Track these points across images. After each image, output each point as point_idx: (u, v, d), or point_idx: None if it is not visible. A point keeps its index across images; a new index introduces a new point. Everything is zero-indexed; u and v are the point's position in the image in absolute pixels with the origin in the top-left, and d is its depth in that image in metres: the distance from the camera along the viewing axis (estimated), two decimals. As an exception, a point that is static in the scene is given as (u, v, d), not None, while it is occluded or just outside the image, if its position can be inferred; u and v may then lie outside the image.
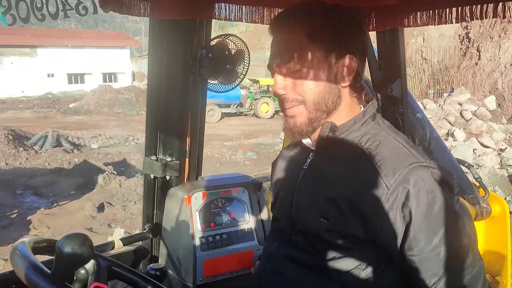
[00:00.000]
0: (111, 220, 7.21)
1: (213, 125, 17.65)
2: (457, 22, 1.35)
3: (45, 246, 0.94)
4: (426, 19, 1.45)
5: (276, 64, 1.09)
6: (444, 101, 13.75)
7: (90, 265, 1.03)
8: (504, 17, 1.21)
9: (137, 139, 15.87)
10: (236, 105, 21.92)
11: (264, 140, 15.34)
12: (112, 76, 39.49)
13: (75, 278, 0.96)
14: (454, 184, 1.05)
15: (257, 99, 21.81)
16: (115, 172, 10.03)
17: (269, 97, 21.73)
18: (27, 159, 11.55)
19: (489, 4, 1.19)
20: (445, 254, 0.99)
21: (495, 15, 1.21)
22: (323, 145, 1.12)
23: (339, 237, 1.05)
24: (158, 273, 1.21)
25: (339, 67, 1.07)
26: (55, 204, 8.20)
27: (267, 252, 1.27)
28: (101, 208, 7.69)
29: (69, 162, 11.19)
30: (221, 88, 1.67)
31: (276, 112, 21.54)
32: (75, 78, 38.05)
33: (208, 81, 1.64)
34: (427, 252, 0.99)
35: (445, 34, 25.66)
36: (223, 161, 11.96)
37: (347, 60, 1.07)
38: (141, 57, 47.22)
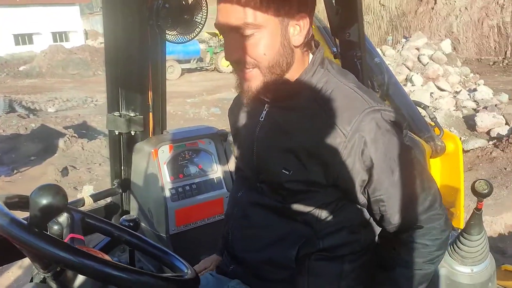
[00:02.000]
0: (77, 183, 7.11)
1: (174, 82, 17.26)
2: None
3: (17, 202, 0.94)
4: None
5: (227, 27, 1.04)
6: (402, 47, 13.95)
7: (63, 218, 1.05)
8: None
9: (96, 101, 15.40)
10: (196, 60, 21.42)
11: (227, 94, 15.20)
12: (63, 35, 37.47)
13: (49, 233, 0.98)
14: (402, 121, 1.11)
15: (217, 53, 21.36)
16: (76, 135, 9.77)
17: (230, 50, 21.29)
18: (-21, 127, 11.04)
19: None
20: (408, 186, 1.08)
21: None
22: (277, 98, 1.14)
23: (302, 185, 1.10)
24: (132, 224, 1.24)
25: (292, 28, 1.06)
26: (15, 171, 7.96)
27: (233, 199, 1.32)
28: (64, 172, 7.54)
29: (26, 128, 10.76)
30: (180, 39, 1.65)
31: (238, 66, 21.26)
32: (23, 38, 35.86)
33: (167, 33, 1.62)
34: (392, 189, 1.07)
35: (402, -21, 25.73)
36: (187, 118, 11.85)
37: (300, 20, 1.06)
38: (93, 14, 44.89)
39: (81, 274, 0.87)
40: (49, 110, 14.32)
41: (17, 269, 4.30)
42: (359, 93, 1.08)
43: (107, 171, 8.06)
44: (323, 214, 1.13)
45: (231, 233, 1.28)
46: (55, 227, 1.06)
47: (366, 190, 1.08)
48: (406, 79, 12.32)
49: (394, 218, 1.10)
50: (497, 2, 21.48)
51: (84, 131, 10.88)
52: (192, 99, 14.73)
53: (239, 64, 1.08)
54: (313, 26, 1.18)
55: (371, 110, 1.04)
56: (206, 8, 1.61)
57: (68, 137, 9.39)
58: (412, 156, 1.10)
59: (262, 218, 1.19)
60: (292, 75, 1.12)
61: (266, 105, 1.18)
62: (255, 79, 1.08)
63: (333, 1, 1.88)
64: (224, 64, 21.20)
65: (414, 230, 1.11)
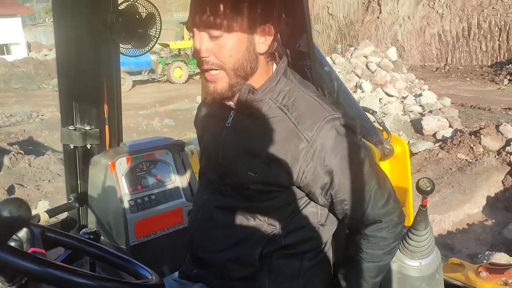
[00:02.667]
0: (16, 196, 6.81)
1: (125, 94, 16.75)
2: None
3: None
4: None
5: (198, 27, 1.10)
6: (351, 55, 14.43)
7: (23, 233, 1.04)
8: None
9: (42, 115, 14.80)
10: (147, 71, 21.11)
11: (181, 105, 15.11)
12: (4, 48, 35.80)
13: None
14: (357, 126, 1.21)
15: (169, 63, 21.15)
16: (22, 152, 9.34)
17: (182, 61, 21.21)
18: None
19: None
20: (367, 185, 1.17)
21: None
22: (242, 105, 1.20)
23: (267, 186, 1.17)
24: (92, 236, 1.24)
25: (258, 35, 1.13)
26: (-44, 192, 7.53)
27: (198, 204, 1.35)
28: (11, 190, 7.21)
29: (-33, 145, 10.21)
30: (135, 52, 1.67)
31: (190, 76, 21.16)
32: (-40, 53, 34.02)
33: (121, 46, 1.63)
34: (353, 190, 1.16)
35: (348, -10, 26.67)
36: (140, 130, 11.66)
37: (266, 28, 1.13)
38: (35, 25, 43.25)
39: (47, 284, 0.87)
40: (-9, 127, 13.63)
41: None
42: (320, 102, 1.16)
43: (57, 187, 7.78)
44: (286, 213, 1.20)
45: (196, 236, 1.31)
46: (13, 243, 1.05)
47: (328, 192, 1.16)
48: (356, 85, 12.73)
49: (355, 216, 1.20)
50: (437, 12, 22.74)
51: (30, 147, 10.44)
52: (145, 111, 14.51)
53: (206, 64, 1.12)
54: None
55: (331, 118, 1.12)
56: (160, 22, 1.64)
57: (13, 154, 8.96)
58: (369, 157, 1.19)
59: (227, 220, 1.24)
60: (256, 83, 1.18)
61: (232, 111, 1.23)
62: (221, 81, 1.14)
63: (283, 13, 1.95)
64: (176, 75, 21.05)
65: (374, 225, 1.21)
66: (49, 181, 7.79)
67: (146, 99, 16.78)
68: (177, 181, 1.91)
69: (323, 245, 1.27)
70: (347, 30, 26.45)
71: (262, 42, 1.14)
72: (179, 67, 21.16)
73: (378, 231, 1.21)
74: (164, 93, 18.49)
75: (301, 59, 2.07)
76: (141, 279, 1.08)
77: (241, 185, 1.19)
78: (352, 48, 15.26)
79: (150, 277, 1.06)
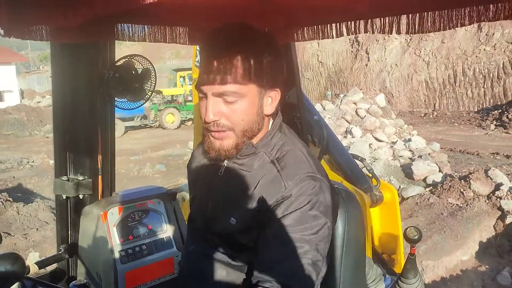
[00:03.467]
0: (11, 251, 6.67)
1: (117, 140, 16.47)
2: (336, 37, 1.57)
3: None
4: (312, 34, 1.65)
5: (213, 92, 1.14)
6: (340, 102, 14.72)
7: (15, 287, 1.05)
8: (372, 32, 1.43)
9: (32, 162, 14.70)
10: (140, 117, 21.32)
11: (172, 151, 15.15)
12: (-3, 95, 36.07)
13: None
14: (334, 194, 1.24)
15: (162, 110, 21.43)
16: (10, 199, 9.20)
17: (174, 107, 21.49)
18: None
19: (360, 21, 1.41)
20: (292, 250, 1.11)
21: (365, 30, 1.43)
22: (238, 157, 1.25)
23: (246, 233, 1.19)
24: (82, 289, 1.23)
25: (266, 99, 1.20)
26: None
27: (185, 253, 1.37)
28: (-2, 240, 7.05)
29: (-46, 192, 10.05)
30: (130, 105, 1.72)
31: (182, 122, 21.36)
32: (-48, 100, 34.13)
33: (116, 100, 1.69)
34: (279, 245, 1.12)
35: (336, 38, 27.50)
36: (131, 177, 11.61)
37: (273, 92, 1.21)
38: (29, 73, 43.82)
39: None
40: (-20, 173, 13.48)
41: None
42: (308, 159, 1.22)
43: (45, 236, 7.63)
44: None
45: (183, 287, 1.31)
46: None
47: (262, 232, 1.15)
48: (346, 131, 12.91)
49: (258, 273, 1.13)
50: (423, 59, 23.50)
51: (19, 194, 10.28)
52: (136, 157, 14.50)
53: (216, 126, 1.17)
54: None
55: (312, 175, 1.17)
56: (155, 77, 1.71)
57: (1, 201, 8.82)
58: (320, 230, 1.14)
59: (213, 270, 1.25)
60: (255, 138, 1.24)
61: (225, 161, 1.27)
62: (228, 139, 1.19)
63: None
64: (169, 121, 21.26)
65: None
66: (37, 229, 7.63)
67: (138, 145, 16.82)
68: (169, 230, 1.91)
69: None
70: (337, 77, 27.16)
71: (269, 104, 1.21)
72: (172, 113, 21.40)
73: None
74: (156, 138, 18.56)
75: (291, 111, 2.15)
76: None
77: (225, 234, 1.22)
78: (341, 95, 15.60)
79: None
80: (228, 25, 1.14)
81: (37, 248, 6.55)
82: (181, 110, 21.33)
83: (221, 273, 1.24)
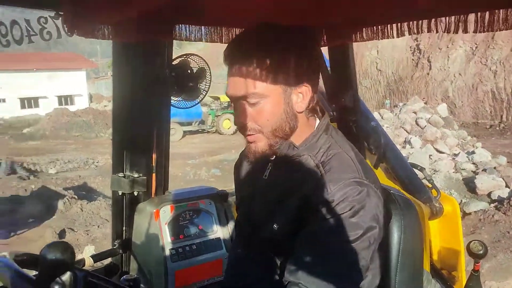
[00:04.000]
0: (74, 246, 7.01)
1: (175, 144, 17.51)
2: (397, 36, 1.50)
3: (26, 259, 0.97)
4: (371, 35, 1.59)
5: (235, 96, 1.16)
6: (400, 110, 14.28)
7: (66, 277, 1.07)
8: (436, 31, 1.35)
9: (97, 162, 15.52)
10: (198, 122, 21.89)
11: (228, 156, 15.37)
12: (68, 99, 38.50)
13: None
14: (381, 205, 1.14)
15: (219, 115, 21.88)
16: (76, 197, 9.77)
17: (231, 113, 21.82)
18: (-20, 188, 11.05)
19: (423, 21, 1.34)
20: (329, 262, 1.06)
21: (429, 30, 1.35)
22: (281, 160, 1.22)
23: (287, 240, 1.14)
24: (132, 284, 1.25)
25: (296, 96, 1.16)
26: (12, 234, 7.88)
27: (232, 257, 1.35)
28: (62, 234, 7.46)
29: (26, 189, 10.78)
30: (185, 104, 1.75)
31: (238, 128, 21.62)
32: (29, 102, 36.84)
33: (172, 99, 1.72)
34: (314, 251, 1.07)
35: (397, 46, 26.77)
36: (187, 180, 11.90)
37: (303, 88, 1.16)
38: (98, 78, 46.39)
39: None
40: (50, 172, 14.40)
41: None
42: (355, 163, 1.15)
43: (105, 233, 7.98)
44: None
45: None
46: (56, 287, 1.08)
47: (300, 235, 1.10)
48: (404, 141, 12.49)
49: (289, 272, 1.09)
50: (490, 69, 22.29)
51: (84, 192, 10.87)
52: (193, 161, 14.86)
53: (246, 130, 1.17)
54: None
55: (359, 181, 1.10)
56: (210, 76, 1.73)
57: (67, 199, 9.38)
58: (362, 242, 1.08)
59: (259, 275, 1.22)
60: (298, 139, 1.20)
61: (270, 164, 1.25)
62: (260, 141, 1.17)
63: (328, 69, 2.00)
64: (226, 126, 21.64)
65: None
66: (98, 226, 8.02)
67: (195, 149, 17.24)
68: (219, 231, 1.91)
69: None
70: (396, 86, 26.38)
71: (300, 101, 1.16)
72: (228, 119, 21.75)
73: None
74: (212, 143, 18.94)
75: (346, 114, 2.08)
76: None
77: (269, 239, 1.18)
78: (400, 104, 15.13)
79: None
80: (248, 29, 1.16)
81: (97, 244, 6.86)
82: (237, 116, 21.58)
83: (266, 275, 1.20)
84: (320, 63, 1.26)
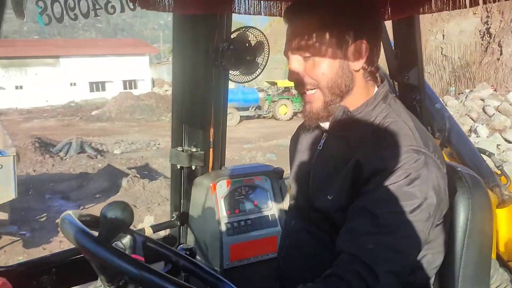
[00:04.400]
0: (136, 222, 7.36)
1: (232, 128, 17.78)
2: (470, 6, 1.39)
3: (88, 220, 1.02)
4: (440, 5, 1.49)
5: (292, 50, 1.15)
6: (465, 98, 13.55)
7: (126, 240, 1.11)
8: (515, -2, 1.24)
9: (158, 144, 16.11)
10: (254, 107, 22.03)
11: (283, 141, 15.35)
12: (132, 83, 40.13)
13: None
14: (443, 178, 1.07)
15: (275, 101, 21.88)
16: (138, 176, 10.23)
17: (288, 99, 21.77)
18: (53, 165, 11.87)
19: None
20: (384, 231, 1.00)
21: (506, -4, 1.24)
22: (335, 127, 1.18)
23: (341, 212, 1.10)
24: (188, 252, 1.28)
25: (351, 51, 1.12)
26: (81, 207, 8.41)
27: (286, 229, 1.34)
28: (125, 210, 7.84)
29: (93, 167, 11.46)
30: (242, 78, 1.74)
31: (295, 114, 21.54)
32: (97, 86, 38.83)
33: (230, 73, 1.72)
34: (366, 222, 1.01)
35: (465, 30, 25.27)
36: (243, 163, 12.07)
37: (358, 44, 1.12)
38: (160, 63, 47.82)
39: (142, 287, 0.90)
40: (115, 152, 15.15)
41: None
42: (413, 131, 1.08)
43: (165, 211, 8.29)
44: None
45: (283, 264, 1.28)
46: (119, 249, 1.13)
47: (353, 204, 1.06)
48: (470, 130, 11.87)
49: (341, 242, 1.05)
50: None
51: (146, 172, 11.35)
52: (249, 145, 15.01)
53: (300, 85, 1.16)
54: None
55: (416, 149, 1.04)
56: (268, 50, 1.71)
57: (131, 177, 9.85)
58: (420, 213, 1.01)
59: (313, 249, 1.19)
60: (352, 101, 1.16)
61: (324, 133, 1.22)
62: (316, 101, 1.15)
63: (392, 44, 1.91)
64: (282, 112, 21.63)
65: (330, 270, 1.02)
66: (158, 204, 8.36)
67: (251, 134, 17.39)
68: (274, 208, 1.91)
69: (427, 284, 1.16)
70: (462, 71, 24.93)
71: (356, 58, 1.13)
72: (285, 105, 21.71)
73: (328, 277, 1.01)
74: (268, 128, 19.01)
75: (410, 93, 1.99)
76: None
77: (324, 211, 1.15)
78: (467, 91, 14.33)
79: None
80: None
81: (157, 221, 7.15)
82: (294, 102, 21.52)
83: (320, 250, 1.18)
84: (378, 26, 1.20)
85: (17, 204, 7.84)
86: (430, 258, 1.12)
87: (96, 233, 0.92)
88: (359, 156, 1.08)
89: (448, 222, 1.15)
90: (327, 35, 1.10)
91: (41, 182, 10.18)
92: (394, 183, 1.01)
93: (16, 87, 35.59)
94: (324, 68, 1.12)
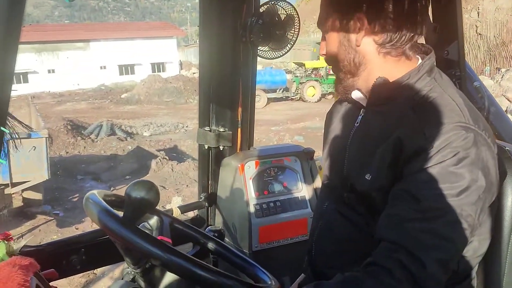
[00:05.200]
0: (165, 203, 7.47)
1: (260, 110, 17.70)
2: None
3: (113, 200, 0.99)
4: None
5: (319, 28, 1.19)
6: (502, 77, 13.01)
7: (154, 221, 1.09)
8: None
9: (186, 126, 16.25)
10: (282, 89, 21.81)
11: (311, 123, 15.22)
12: (161, 66, 40.40)
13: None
14: (493, 157, 0.98)
15: (303, 83, 21.59)
16: (167, 158, 10.37)
17: (316, 80, 21.45)
18: (84, 147, 12.17)
19: None
20: (428, 217, 0.93)
21: None
22: (374, 102, 1.11)
23: (384, 192, 1.02)
24: (217, 234, 1.24)
25: (350, 27, 1.09)
26: (112, 188, 8.61)
27: (318, 212, 1.27)
28: (155, 191, 7.97)
29: (123, 149, 11.68)
30: (272, 54, 1.67)
31: (323, 96, 21.24)
32: (126, 69, 39.29)
33: (259, 49, 1.65)
34: (409, 207, 0.94)
35: (502, 7, 24.17)
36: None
37: (355, 20, 1.07)
38: (188, 46, 47.94)
39: (168, 270, 0.87)
40: (144, 134, 15.38)
41: (108, 280, 4.57)
42: (460, 107, 0.99)
43: (193, 192, 8.38)
44: None
45: (314, 247, 1.23)
46: (146, 230, 1.10)
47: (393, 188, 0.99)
48: (506, 110, 11.41)
49: (382, 229, 0.97)
50: None
51: (174, 154, 11.49)
52: (277, 127, 14.93)
53: (329, 64, 1.20)
54: None
55: (464, 125, 0.95)
56: (298, 25, 1.63)
57: (159, 159, 9.99)
58: (469, 194, 0.93)
59: (347, 232, 1.13)
60: (389, 76, 1.08)
61: (362, 109, 1.16)
62: (336, 78, 1.19)
63: (431, 18, 1.79)
64: (310, 94, 21.35)
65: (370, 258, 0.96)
66: (187, 185, 8.45)
67: (278, 116, 17.29)
68: (304, 190, 1.85)
69: (468, 276, 1.08)
70: (498, 51, 23.92)
71: (356, 33, 1.09)
72: (313, 86, 21.41)
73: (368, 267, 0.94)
74: (296, 111, 18.84)
75: (449, 69, 1.87)
76: (261, 282, 1.04)
77: (361, 192, 1.08)
78: (503, 70, 13.75)
79: (270, 282, 1.02)
80: None
81: (185, 202, 7.24)
82: (322, 84, 21.22)
83: (354, 234, 1.11)
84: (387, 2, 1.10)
85: (51, 184, 8.09)
86: (476, 245, 1.04)
87: (122, 214, 0.90)
88: (399, 133, 1.00)
89: (495, 207, 1.06)
90: (333, 14, 1.12)
91: (73, 164, 10.46)
92: (440, 162, 0.93)
93: (49, 71, 36.42)
94: (329, 45, 1.15)
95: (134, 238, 0.81)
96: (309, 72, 21.83)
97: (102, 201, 0.88)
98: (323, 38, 1.18)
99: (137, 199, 0.82)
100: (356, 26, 1.08)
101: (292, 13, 1.60)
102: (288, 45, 1.64)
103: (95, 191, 0.93)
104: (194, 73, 33.11)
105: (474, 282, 1.11)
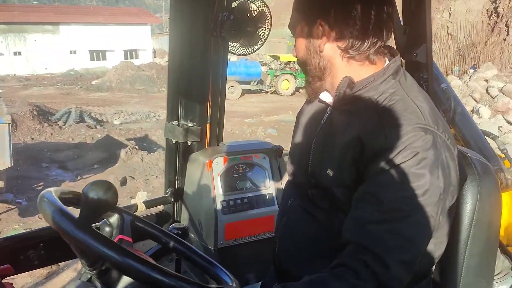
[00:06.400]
0: (134, 193, 7.36)
1: (234, 102, 17.63)
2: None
3: (71, 198, 0.96)
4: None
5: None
6: (469, 78, 13.37)
7: (114, 219, 1.06)
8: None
9: (158, 116, 16.00)
10: (256, 82, 21.76)
11: (285, 117, 15.26)
12: (133, 53, 39.61)
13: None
14: (452, 158, 1.00)
15: (278, 76, 21.61)
16: (137, 147, 10.18)
17: (290, 74, 21.51)
18: (51, 134, 11.82)
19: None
20: (391, 218, 0.95)
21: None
22: (340, 101, 1.12)
23: (345, 188, 1.04)
24: (180, 232, 1.22)
25: (313, 34, 1.11)
26: (79, 177, 8.41)
27: (283, 208, 1.28)
28: (123, 181, 7.83)
29: (92, 138, 11.41)
30: (242, 51, 1.65)
31: (297, 89, 21.33)
32: (97, 55, 38.33)
33: (229, 44, 1.63)
34: (370, 208, 0.96)
35: (472, 8, 24.77)
36: (244, 138, 11.97)
37: (317, 27, 1.09)
38: (162, 34, 47.13)
39: (124, 274, 0.85)
40: (114, 122, 15.06)
41: (72, 272, 4.47)
42: (421, 109, 1.00)
43: (162, 183, 8.30)
44: None
45: (278, 244, 1.24)
46: (107, 229, 1.07)
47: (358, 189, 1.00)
48: (472, 110, 11.77)
49: (347, 231, 0.99)
50: None
51: (144, 143, 11.31)
52: (250, 120, 14.91)
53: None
54: None
55: (423, 127, 0.96)
56: (270, 22, 1.61)
57: (129, 149, 9.80)
58: (429, 196, 0.95)
59: (310, 228, 1.14)
60: (357, 77, 1.09)
61: (329, 108, 1.17)
62: (306, 80, 1.21)
63: (401, 20, 1.81)
64: (284, 87, 21.39)
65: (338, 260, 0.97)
66: (156, 176, 8.33)
67: (252, 108, 17.26)
68: (272, 187, 1.85)
69: (425, 278, 1.10)
70: (467, 51, 24.58)
71: (319, 39, 1.10)
72: (287, 80, 21.47)
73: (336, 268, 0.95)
74: (270, 103, 18.86)
75: (417, 71, 1.90)
76: (222, 283, 1.03)
77: (323, 188, 1.09)
78: (471, 71, 14.15)
79: (231, 284, 1.01)
80: None
81: (155, 193, 7.15)
82: (296, 77, 21.29)
83: (317, 230, 1.12)
84: (350, 7, 1.08)
85: (14, 172, 7.82)
86: (432, 248, 1.06)
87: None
88: (360, 133, 1.01)
89: (454, 211, 1.08)
90: (296, 18, 1.15)
91: (39, 151, 10.15)
92: (400, 163, 0.94)
93: (15, 53, 35.10)
94: (298, 50, 1.17)
95: (88, 241, 0.77)
96: (284, 65, 21.86)
97: (58, 200, 0.84)
98: (295, 42, 1.19)
99: (94, 200, 0.79)
100: (319, 32, 1.09)
101: (264, 10, 1.59)
102: (259, 42, 1.62)
103: (51, 189, 0.89)
104: (168, 61, 32.63)
105: (430, 285, 1.14)
